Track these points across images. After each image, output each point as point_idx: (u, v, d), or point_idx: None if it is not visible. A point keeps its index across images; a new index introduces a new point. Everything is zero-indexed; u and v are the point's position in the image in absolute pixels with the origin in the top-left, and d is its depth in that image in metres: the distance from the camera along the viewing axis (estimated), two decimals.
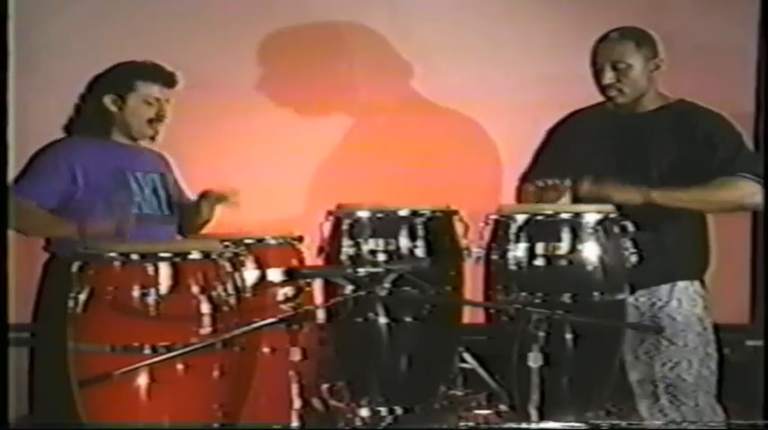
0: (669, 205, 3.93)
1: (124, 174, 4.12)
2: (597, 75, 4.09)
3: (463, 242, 3.92)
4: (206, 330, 3.27)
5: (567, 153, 4.13)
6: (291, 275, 3.49)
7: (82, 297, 3.27)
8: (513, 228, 3.75)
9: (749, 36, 4.91)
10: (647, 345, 4.01)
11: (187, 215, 4.28)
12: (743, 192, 3.98)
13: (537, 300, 3.66)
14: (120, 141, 4.20)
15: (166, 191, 4.23)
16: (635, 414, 4.00)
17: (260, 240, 3.86)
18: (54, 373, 3.65)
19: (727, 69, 4.87)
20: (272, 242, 3.90)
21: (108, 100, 4.15)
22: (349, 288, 3.60)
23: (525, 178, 4.27)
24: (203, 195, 4.25)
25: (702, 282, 4.08)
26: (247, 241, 3.73)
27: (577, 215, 3.75)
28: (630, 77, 4.05)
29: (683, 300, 4.02)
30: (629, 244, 3.78)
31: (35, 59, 4.85)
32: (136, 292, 3.24)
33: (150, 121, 4.17)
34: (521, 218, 3.75)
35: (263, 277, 3.48)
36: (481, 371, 4.03)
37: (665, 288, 4.02)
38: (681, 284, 4.03)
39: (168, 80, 4.17)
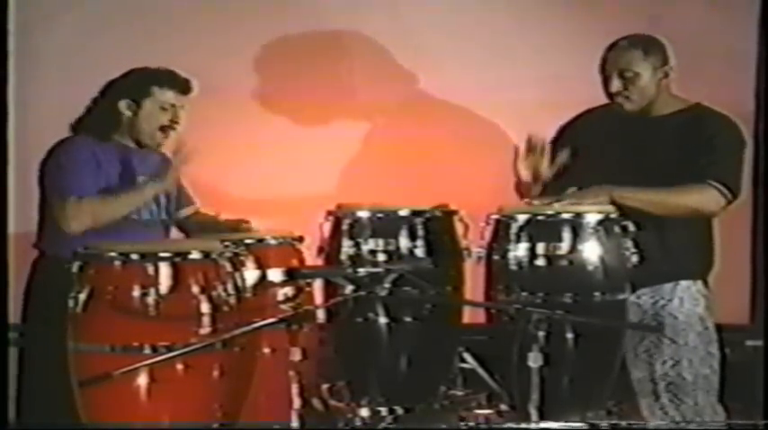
0: (628, 205, 3.88)
1: (132, 177, 4.10)
2: (605, 82, 4.06)
3: (463, 242, 3.92)
4: (206, 330, 3.28)
5: (575, 153, 4.12)
6: (291, 275, 3.49)
7: (82, 297, 3.27)
8: (514, 228, 3.75)
9: (749, 36, 4.90)
10: (647, 343, 4.00)
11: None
12: (702, 197, 3.91)
13: (538, 300, 3.67)
14: (127, 144, 4.16)
15: (166, 196, 4.21)
16: (636, 413, 3.99)
17: (260, 240, 3.86)
18: (45, 373, 3.65)
19: (727, 69, 4.86)
20: (272, 242, 3.90)
21: (123, 104, 4.11)
22: (349, 288, 3.60)
23: None
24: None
25: (705, 282, 4.07)
26: (247, 241, 3.74)
27: (578, 215, 3.75)
28: (637, 85, 4.00)
29: (684, 299, 4.00)
30: (629, 244, 3.78)
31: (35, 59, 4.84)
32: (136, 292, 3.25)
33: (162, 128, 4.12)
34: (522, 218, 3.75)
35: (263, 277, 3.48)
36: (481, 371, 4.04)
37: (667, 286, 4.00)
38: (683, 283, 4.01)
39: (184, 87, 4.14)
